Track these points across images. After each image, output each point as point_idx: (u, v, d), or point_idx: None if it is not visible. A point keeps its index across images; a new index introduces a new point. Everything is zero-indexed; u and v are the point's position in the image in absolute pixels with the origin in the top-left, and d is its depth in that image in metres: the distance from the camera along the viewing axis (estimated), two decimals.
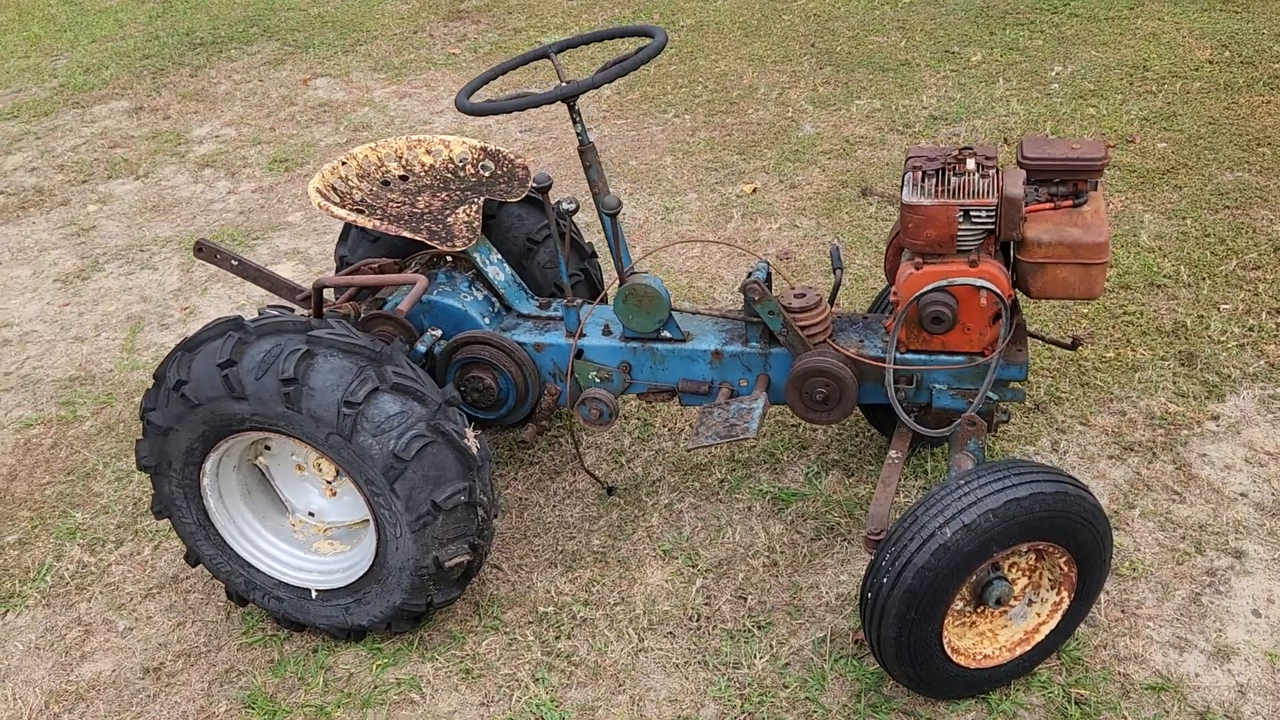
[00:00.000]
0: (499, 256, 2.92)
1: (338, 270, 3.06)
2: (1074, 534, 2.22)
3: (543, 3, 7.13)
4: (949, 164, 2.37)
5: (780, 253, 4.15)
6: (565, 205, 2.65)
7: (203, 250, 3.03)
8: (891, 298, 2.46)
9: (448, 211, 2.79)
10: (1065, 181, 2.35)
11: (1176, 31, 5.63)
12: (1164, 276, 3.75)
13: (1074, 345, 2.70)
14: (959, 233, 2.33)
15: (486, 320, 2.83)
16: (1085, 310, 3.61)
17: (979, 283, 2.33)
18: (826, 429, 3.23)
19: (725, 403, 2.58)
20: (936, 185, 2.34)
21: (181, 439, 2.46)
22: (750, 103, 5.42)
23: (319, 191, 2.73)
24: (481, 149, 2.98)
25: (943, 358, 2.49)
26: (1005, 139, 4.75)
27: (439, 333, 2.79)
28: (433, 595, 2.54)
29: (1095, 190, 2.37)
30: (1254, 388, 3.23)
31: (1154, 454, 3.03)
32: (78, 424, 3.64)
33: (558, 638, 2.67)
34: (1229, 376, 3.28)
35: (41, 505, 3.29)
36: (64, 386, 3.86)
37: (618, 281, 2.67)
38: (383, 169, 2.92)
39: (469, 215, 2.77)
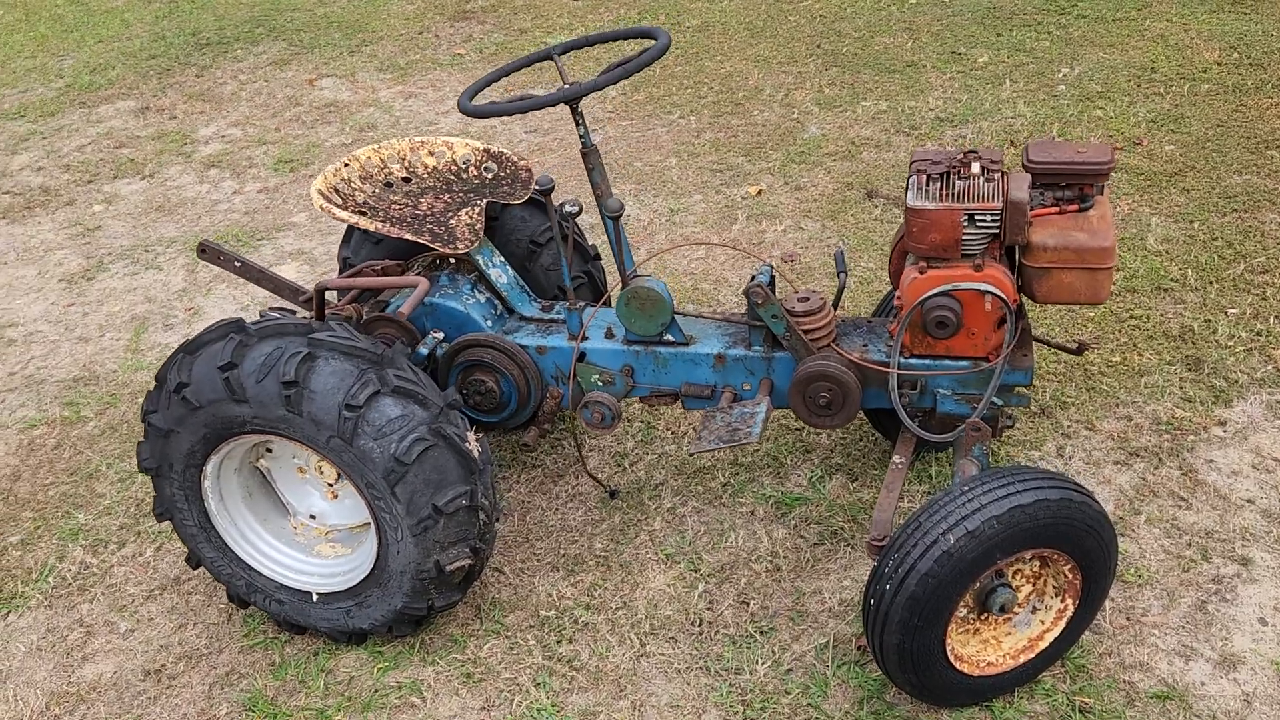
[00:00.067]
0: (501, 259, 2.91)
1: (341, 272, 3.05)
2: (1079, 541, 2.20)
3: (548, 3, 7.13)
4: (954, 167, 2.36)
5: (785, 255, 4.14)
6: (568, 208, 2.64)
7: (206, 251, 3.03)
8: (895, 302, 2.45)
9: (450, 214, 2.79)
10: (1071, 186, 2.33)
11: (1185, 33, 5.61)
12: (1171, 280, 3.73)
13: (1080, 350, 2.69)
14: (964, 237, 2.31)
15: (489, 323, 2.82)
16: (1091, 314, 3.59)
17: (984, 287, 2.32)
18: (830, 433, 3.21)
19: (728, 407, 2.57)
20: (941, 189, 2.33)
21: (182, 441, 2.45)
22: (756, 104, 5.40)
23: (321, 193, 2.72)
24: (485, 151, 2.97)
25: (947, 363, 2.48)
26: (1012, 141, 4.73)
27: (441, 335, 2.78)
28: (434, 599, 2.53)
29: (1101, 194, 2.36)
30: (1262, 393, 3.21)
31: (1160, 460, 3.01)
32: (81, 424, 3.64)
33: (559, 642, 2.66)
34: (1236, 381, 3.25)
35: (44, 506, 3.29)
36: (68, 387, 3.86)
37: (620, 284, 2.66)
38: (385, 171, 2.92)
39: (471, 217, 2.76)
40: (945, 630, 2.20)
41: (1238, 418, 3.13)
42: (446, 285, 2.85)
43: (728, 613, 2.69)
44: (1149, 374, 3.32)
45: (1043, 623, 2.35)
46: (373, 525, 2.44)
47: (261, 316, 2.45)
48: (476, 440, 2.46)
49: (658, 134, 5.24)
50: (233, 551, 2.63)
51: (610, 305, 2.85)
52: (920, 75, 5.49)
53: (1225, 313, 3.55)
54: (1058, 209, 2.34)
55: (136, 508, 3.22)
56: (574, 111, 2.62)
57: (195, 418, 2.40)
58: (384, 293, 2.91)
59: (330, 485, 2.65)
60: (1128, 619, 2.57)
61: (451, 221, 2.75)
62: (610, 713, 2.48)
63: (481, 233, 2.75)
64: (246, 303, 4.23)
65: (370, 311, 2.79)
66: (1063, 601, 2.32)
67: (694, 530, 2.94)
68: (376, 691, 2.58)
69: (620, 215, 2.58)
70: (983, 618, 2.31)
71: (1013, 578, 2.28)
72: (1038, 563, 2.29)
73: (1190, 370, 3.32)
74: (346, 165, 2.86)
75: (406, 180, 2.92)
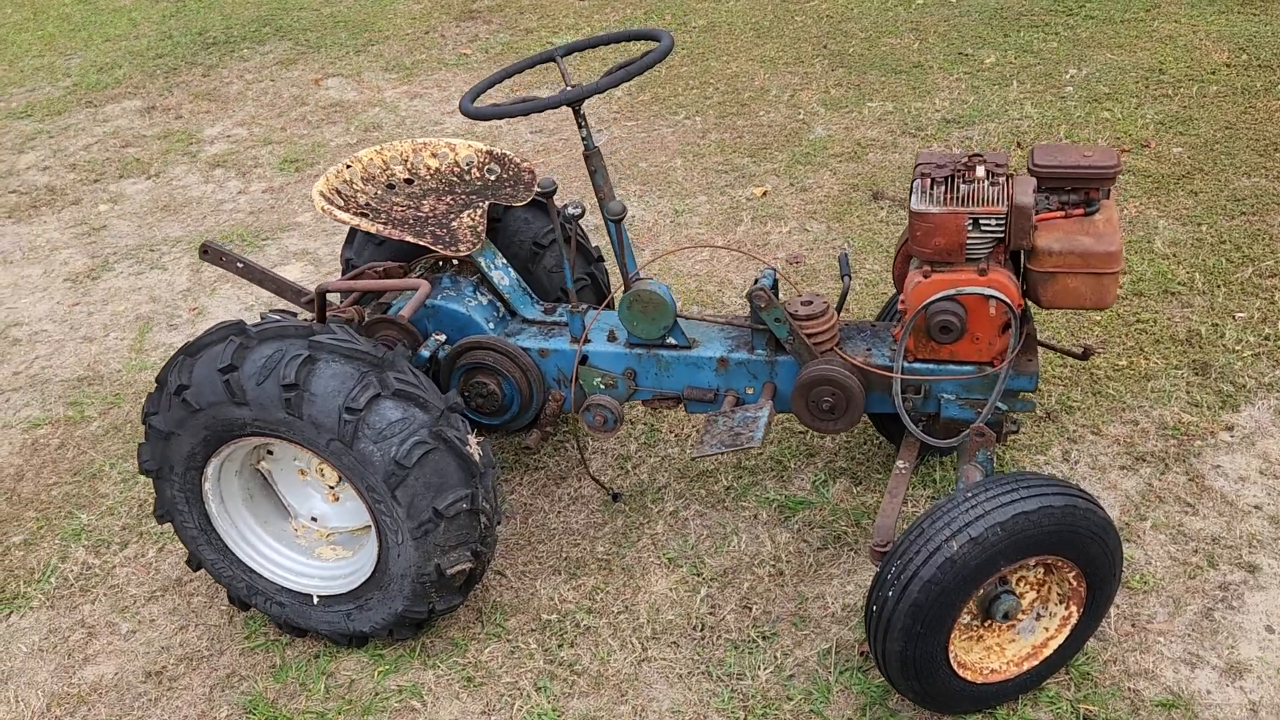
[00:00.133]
0: (504, 261, 2.90)
1: (344, 273, 3.05)
2: (1083, 548, 2.19)
3: (554, 3, 7.12)
4: (958, 171, 2.34)
5: (790, 257, 4.12)
6: (571, 210, 2.63)
7: (208, 252, 3.03)
8: (899, 306, 2.44)
9: (452, 215, 2.78)
10: (1077, 190, 2.31)
11: (1193, 34, 5.57)
12: (1178, 284, 3.70)
13: (1085, 355, 2.67)
14: (968, 241, 2.29)
15: (491, 325, 2.81)
16: (1098, 318, 3.57)
17: (988, 292, 2.30)
18: (834, 437, 3.20)
19: (730, 411, 2.55)
20: (945, 193, 2.31)
21: (183, 444, 2.45)
22: (761, 105, 5.39)
23: (323, 195, 2.71)
24: (487, 152, 2.96)
25: (951, 367, 2.46)
26: (1019, 143, 4.71)
27: (443, 337, 2.78)
28: (435, 602, 2.52)
29: (1108, 198, 2.34)
30: (1269, 398, 3.18)
31: (1166, 465, 2.99)
32: (85, 424, 3.64)
33: (560, 646, 2.65)
34: (1244, 386, 3.23)
35: (48, 506, 3.29)
36: (72, 386, 3.86)
37: (622, 287, 2.65)
38: (388, 172, 2.91)
39: (473, 219, 2.75)
40: (948, 637, 2.19)
41: (1245, 423, 3.11)
42: (448, 287, 2.84)
43: (730, 617, 2.68)
44: (1155, 378, 3.29)
45: (1047, 630, 2.33)
46: (373, 528, 2.43)
47: (262, 319, 2.45)
48: (478, 443, 2.45)
49: (663, 135, 5.23)
50: (233, 554, 2.63)
51: (613, 308, 2.84)
52: (927, 76, 5.47)
53: (1233, 317, 3.52)
54: (1063, 213, 2.32)
55: (139, 508, 3.22)
56: (576, 114, 2.61)
57: (196, 420, 2.39)
58: (386, 295, 2.90)
59: (331, 488, 2.64)
60: (1133, 626, 2.55)
61: (453, 223, 2.74)
62: (611, 717, 2.47)
63: (484, 235, 2.74)
64: (250, 303, 4.23)
65: (372, 313, 2.79)
66: (1067, 608, 2.31)
67: (696, 534, 2.93)
68: (377, 695, 2.57)
69: (622, 218, 2.56)
70: (986, 624, 2.30)
71: (1016, 584, 2.27)
72: (1042, 569, 2.27)
73: (1197, 375, 3.29)
74: (348, 167, 2.85)
75: (409, 182, 2.91)
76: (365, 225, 2.65)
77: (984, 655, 2.32)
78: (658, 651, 2.61)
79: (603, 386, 2.73)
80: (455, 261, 2.91)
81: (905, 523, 2.82)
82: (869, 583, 2.64)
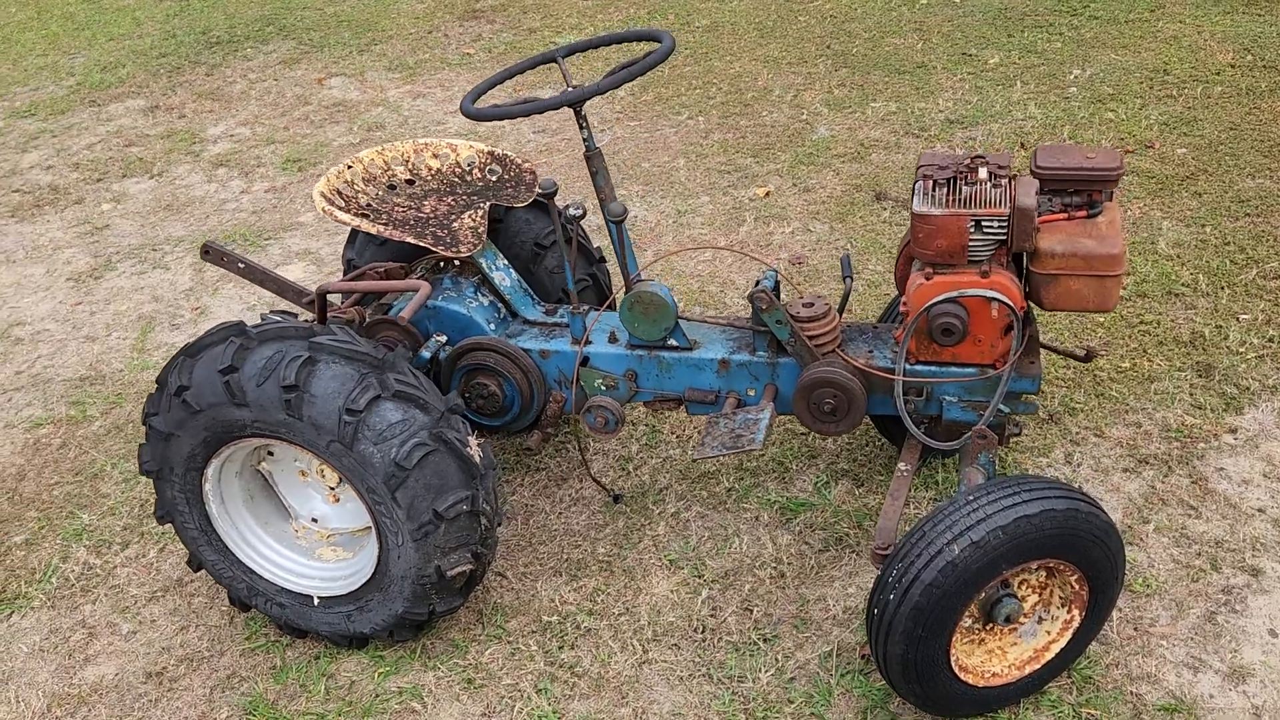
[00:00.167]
0: (505, 262, 2.90)
1: (345, 273, 3.05)
2: (1085, 552, 2.18)
3: (558, 2, 7.11)
4: (960, 173, 2.33)
5: (793, 257, 4.11)
6: (573, 211, 2.62)
7: (210, 253, 3.02)
8: (901, 308, 2.43)
9: (453, 216, 2.77)
10: (1080, 192, 2.30)
11: (1198, 35, 5.55)
12: (1182, 285, 3.69)
13: (1088, 357, 2.66)
14: (970, 243, 2.29)
15: (492, 326, 2.80)
16: (1101, 319, 3.55)
17: (990, 294, 2.29)
18: (836, 438, 3.19)
19: (732, 413, 2.55)
20: (947, 194, 2.30)
21: (183, 444, 2.45)
22: (764, 105, 5.38)
23: (324, 196, 2.71)
24: (489, 153, 2.96)
25: (953, 370, 2.45)
26: (1022, 143, 4.70)
27: (444, 338, 2.77)
28: (435, 604, 2.52)
29: (1111, 200, 2.33)
30: (1273, 400, 3.17)
31: (1170, 467, 2.98)
32: (87, 424, 3.64)
33: (561, 648, 2.64)
34: (1248, 389, 3.22)
35: (49, 506, 3.29)
36: (74, 386, 3.86)
37: (624, 288, 2.64)
38: (389, 173, 2.91)
39: (474, 220, 2.75)
40: (949, 641, 2.18)
41: (1249, 425, 3.09)
42: (449, 288, 2.84)
43: (731, 619, 2.67)
44: (1159, 380, 3.28)
45: (1049, 633, 2.32)
46: (373, 530, 2.43)
47: (263, 320, 2.44)
48: (478, 445, 2.44)
49: (666, 135, 5.22)
50: (234, 555, 2.63)
51: (614, 309, 2.83)
52: (930, 76, 5.45)
53: (1237, 318, 3.51)
54: (1066, 215, 2.31)
55: (140, 508, 3.22)
56: (577, 115, 2.61)
57: (196, 421, 2.39)
58: (387, 296, 2.90)
59: (332, 489, 2.64)
60: (1135, 629, 2.54)
61: (454, 224, 2.74)
62: None
63: (485, 236, 2.74)
64: (253, 302, 4.23)
65: (373, 314, 2.78)
66: (1069, 612, 2.30)
67: (698, 535, 2.92)
68: (377, 696, 2.57)
69: (623, 220, 2.56)
70: (988, 628, 2.29)
71: (1018, 588, 2.26)
72: (1044, 573, 2.26)
73: (1201, 377, 3.28)
74: (350, 167, 2.85)
75: (410, 182, 2.91)
76: (366, 226, 2.65)
77: (985, 659, 2.31)
78: (658, 653, 2.61)
79: (604, 388, 2.72)
80: (456, 262, 2.91)
81: (907, 525, 2.81)
82: (870, 585, 2.63)
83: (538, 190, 2.71)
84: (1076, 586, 2.25)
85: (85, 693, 2.67)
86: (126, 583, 2.97)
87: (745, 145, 5.01)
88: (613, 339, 2.72)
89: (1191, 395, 3.22)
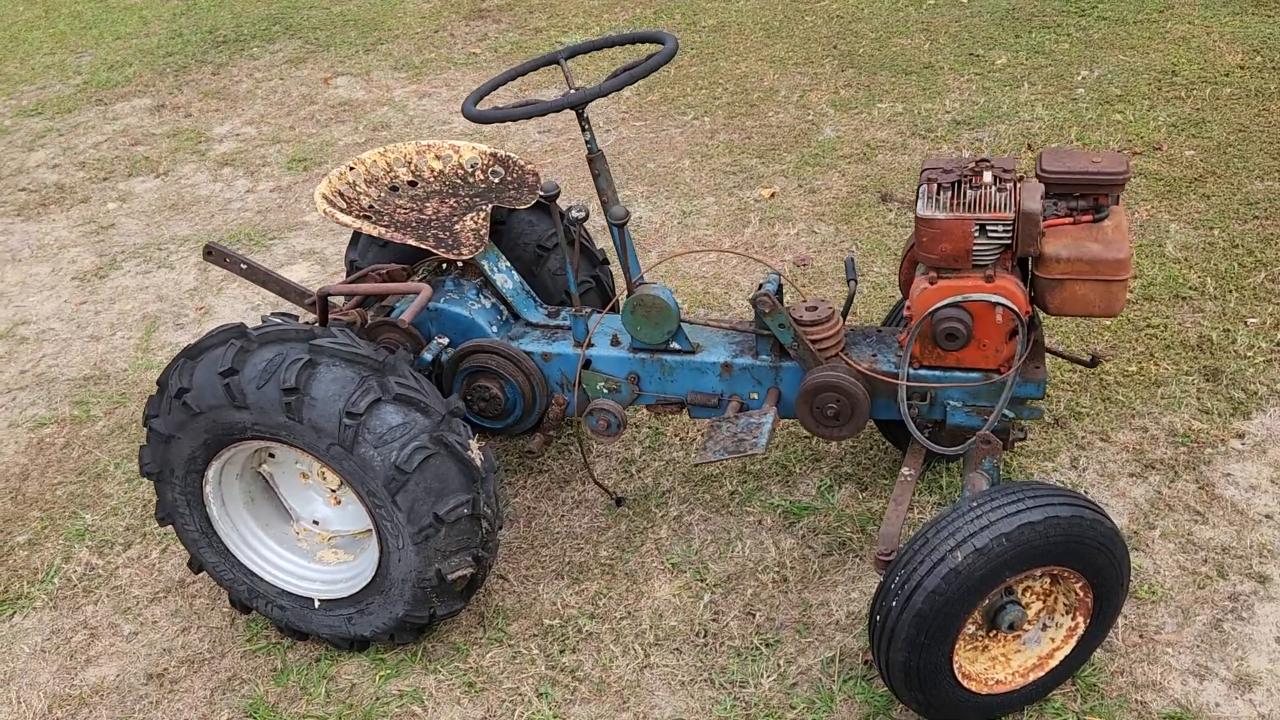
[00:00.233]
0: (507, 264, 2.89)
1: (348, 275, 3.04)
2: (1090, 559, 2.16)
3: (564, 2, 7.10)
4: (965, 176, 2.31)
5: (798, 259, 4.09)
6: (575, 213, 2.61)
7: (212, 253, 3.02)
8: (905, 312, 2.41)
9: (455, 218, 2.76)
10: (1085, 196, 2.28)
11: (1207, 36, 5.52)
12: (1189, 288, 3.66)
13: (1094, 363, 2.64)
14: (975, 247, 2.27)
15: (494, 328, 2.79)
16: (1107, 323, 3.53)
17: (995, 299, 2.28)
18: (839, 442, 3.17)
19: (734, 417, 2.53)
20: (952, 198, 2.28)
21: (184, 447, 2.44)
22: (770, 105, 5.36)
23: (325, 198, 2.70)
24: (491, 155, 2.95)
25: (957, 374, 2.44)
26: (1029, 145, 4.67)
27: (446, 341, 2.76)
28: (436, 607, 2.51)
29: (1117, 204, 2.31)
30: None
31: (1176, 473, 2.96)
32: (90, 424, 3.64)
33: (562, 651, 2.63)
34: (1255, 393, 3.19)
35: (52, 506, 3.29)
36: (78, 385, 3.86)
37: (626, 291, 2.63)
38: (391, 174, 2.90)
39: (476, 223, 2.74)
40: (953, 648, 2.16)
41: (1256, 430, 3.07)
42: (451, 290, 2.83)
43: (733, 624, 2.66)
44: (1166, 384, 3.26)
45: (1053, 640, 2.30)
46: (374, 533, 2.42)
47: (264, 321, 2.44)
48: (479, 448, 2.43)
49: (671, 135, 5.21)
50: (235, 557, 2.62)
51: (617, 311, 2.82)
52: (937, 77, 5.43)
53: (1245, 322, 3.48)
54: (1071, 219, 2.29)
55: (143, 509, 3.22)
56: (580, 117, 2.59)
57: (196, 423, 2.38)
58: (388, 298, 2.89)
59: (333, 491, 2.63)
60: (1141, 637, 2.52)
61: (456, 226, 2.73)
62: None
63: (487, 238, 2.73)
64: (257, 303, 4.23)
65: (374, 317, 2.77)
66: (1074, 619, 2.28)
67: (701, 539, 2.91)
68: (378, 699, 2.56)
69: (625, 223, 2.55)
70: (991, 635, 2.27)
71: (1022, 595, 2.24)
72: (1048, 580, 2.24)
73: (1208, 381, 3.26)
74: (352, 169, 2.84)
75: (412, 184, 2.90)
76: (367, 228, 2.64)
77: (989, 666, 2.30)
78: (660, 658, 2.60)
79: (606, 391, 2.71)
80: (459, 264, 2.90)
81: (911, 530, 2.79)
82: (874, 590, 2.61)
83: (540, 192, 2.70)
84: (1081, 593, 2.23)
85: (86, 694, 2.67)
86: (128, 583, 2.97)
87: (751, 146, 4.99)
88: (615, 342, 2.71)
89: (1199, 400, 3.19)
